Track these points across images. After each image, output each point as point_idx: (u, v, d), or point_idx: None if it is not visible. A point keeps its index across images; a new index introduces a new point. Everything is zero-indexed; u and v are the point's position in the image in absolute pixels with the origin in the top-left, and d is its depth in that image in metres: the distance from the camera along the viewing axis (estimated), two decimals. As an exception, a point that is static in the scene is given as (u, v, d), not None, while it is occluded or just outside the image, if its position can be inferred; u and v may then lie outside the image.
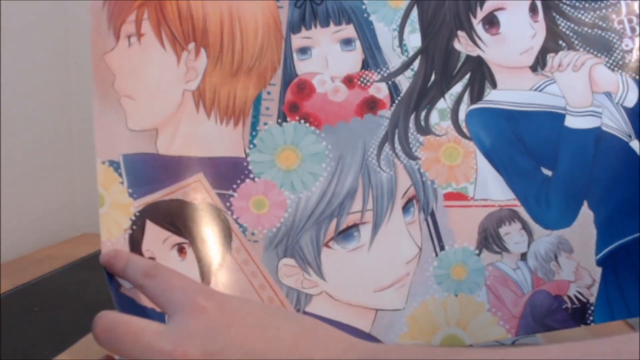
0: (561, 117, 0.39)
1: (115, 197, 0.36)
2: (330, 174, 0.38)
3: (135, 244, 0.35)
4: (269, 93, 0.38)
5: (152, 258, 0.36)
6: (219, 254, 0.37)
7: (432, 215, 0.38)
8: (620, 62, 0.39)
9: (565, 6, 0.40)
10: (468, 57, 0.39)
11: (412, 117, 0.39)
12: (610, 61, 0.39)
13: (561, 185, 0.38)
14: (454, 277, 0.38)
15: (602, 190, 0.38)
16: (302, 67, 0.39)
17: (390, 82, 0.39)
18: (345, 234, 0.38)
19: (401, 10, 0.39)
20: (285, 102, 0.38)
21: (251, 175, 0.37)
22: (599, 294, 0.37)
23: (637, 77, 0.39)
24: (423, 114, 0.39)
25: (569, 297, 0.37)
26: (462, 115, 0.39)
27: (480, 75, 0.39)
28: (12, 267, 0.73)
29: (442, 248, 0.38)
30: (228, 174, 0.37)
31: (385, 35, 0.39)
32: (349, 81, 0.39)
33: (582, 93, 0.39)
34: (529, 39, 0.39)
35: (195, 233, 0.36)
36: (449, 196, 0.38)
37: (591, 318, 0.37)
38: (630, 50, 0.39)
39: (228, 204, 0.37)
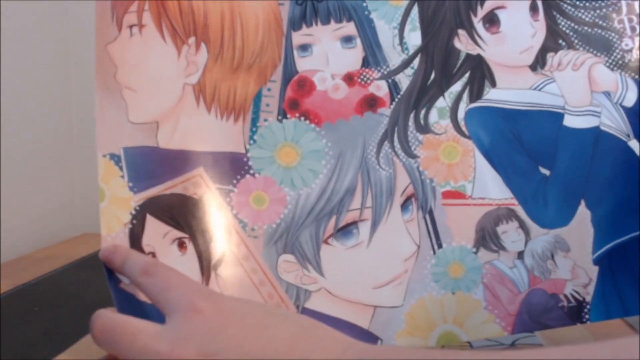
0: (560, 117, 0.39)
1: (116, 191, 0.36)
2: (330, 171, 0.38)
3: (135, 238, 0.36)
4: (269, 90, 0.38)
5: (152, 253, 0.36)
6: (219, 249, 0.37)
7: (431, 213, 0.39)
8: (620, 62, 0.39)
9: (565, 5, 0.40)
10: (468, 55, 0.40)
11: (412, 115, 0.39)
12: (610, 60, 0.39)
13: (559, 184, 0.38)
14: (452, 275, 0.38)
15: (600, 190, 0.38)
16: (303, 64, 0.39)
17: (390, 80, 0.39)
18: (345, 231, 0.38)
19: (402, 8, 0.40)
20: (285, 99, 0.38)
21: (251, 171, 0.38)
22: (595, 293, 0.38)
23: (637, 76, 0.39)
24: (422, 112, 0.39)
25: (565, 296, 0.38)
26: (461, 114, 0.39)
27: (480, 74, 0.39)
28: (12, 267, 0.73)
29: (439, 246, 0.38)
30: (228, 169, 0.37)
31: (385, 33, 0.39)
32: (349, 79, 0.39)
33: (581, 92, 0.39)
34: (529, 38, 0.40)
35: (195, 228, 0.37)
36: (447, 194, 0.39)
37: (587, 316, 0.37)
38: (630, 50, 0.39)
39: (228, 199, 0.37)
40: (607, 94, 0.39)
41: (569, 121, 0.39)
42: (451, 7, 0.39)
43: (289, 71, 0.39)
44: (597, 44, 0.39)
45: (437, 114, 0.39)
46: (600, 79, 0.39)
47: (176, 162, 0.37)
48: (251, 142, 0.38)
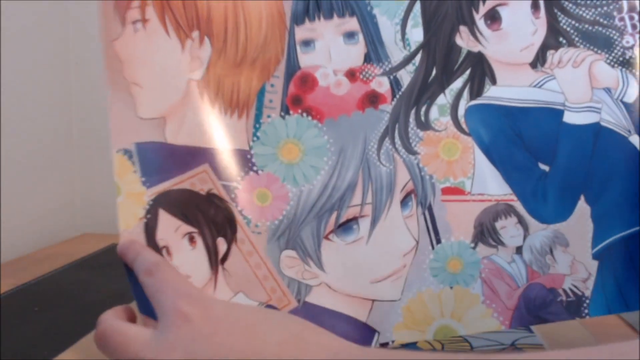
0: (560, 113, 0.39)
1: (130, 186, 0.37)
2: (332, 167, 0.39)
3: (150, 232, 0.37)
4: (272, 85, 0.39)
5: (166, 247, 0.37)
6: (225, 244, 0.38)
7: (430, 209, 0.39)
8: (621, 59, 0.39)
9: (567, 3, 0.40)
10: (469, 52, 0.40)
11: (413, 112, 0.40)
12: (611, 57, 0.39)
13: (558, 180, 0.38)
14: (450, 269, 0.38)
15: (600, 185, 0.38)
16: (306, 59, 0.39)
17: (391, 77, 0.40)
18: (345, 227, 0.38)
19: (404, 3, 0.40)
20: (288, 94, 0.39)
21: (255, 168, 0.38)
22: (595, 287, 0.38)
23: (637, 72, 0.39)
24: (423, 109, 0.40)
25: (564, 290, 0.38)
26: (461, 111, 0.40)
27: (481, 71, 0.40)
28: (12, 267, 0.73)
29: (438, 241, 0.39)
30: (233, 165, 0.38)
31: (387, 29, 0.40)
32: (351, 75, 0.40)
33: (582, 89, 0.39)
34: (529, 35, 0.40)
35: (202, 222, 0.37)
36: (446, 191, 0.39)
37: (586, 311, 0.38)
38: (631, 47, 0.39)
39: (233, 195, 0.38)
40: (608, 90, 0.39)
41: (569, 118, 0.39)
42: (453, 4, 0.40)
43: (292, 67, 0.39)
44: (598, 41, 0.39)
45: (438, 111, 0.40)
46: (601, 76, 0.39)
47: (183, 157, 0.37)
48: (254, 138, 0.39)
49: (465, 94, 0.40)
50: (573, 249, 0.38)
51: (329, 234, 0.38)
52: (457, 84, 0.40)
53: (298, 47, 0.39)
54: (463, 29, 0.40)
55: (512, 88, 0.40)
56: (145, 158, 0.37)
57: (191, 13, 0.38)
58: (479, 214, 0.39)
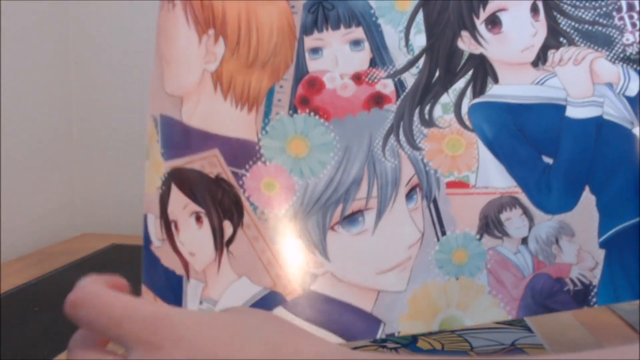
0: (562, 109, 0.40)
1: (154, 154, 0.39)
2: (338, 162, 0.40)
3: (163, 203, 0.38)
4: (281, 87, 0.41)
5: (175, 222, 0.38)
6: (231, 227, 0.39)
7: (435, 202, 0.40)
8: (622, 55, 0.40)
9: (566, 6, 0.41)
10: (471, 55, 0.41)
11: (417, 110, 0.41)
12: (611, 55, 0.40)
13: (562, 171, 0.39)
14: (455, 261, 0.38)
15: (605, 175, 0.38)
16: (314, 65, 0.42)
17: (396, 79, 0.41)
18: (350, 218, 0.39)
19: (407, 12, 0.42)
20: (296, 95, 0.41)
21: (262, 159, 0.40)
22: (602, 276, 0.37)
23: (639, 67, 0.40)
24: (427, 108, 0.41)
25: (571, 280, 0.37)
26: (464, 109, 0.41)
27: (483, 71, 0.41)
28: (12, 267, 0.74)
29: (443, 233, 0.39)
30: (241, 154, 0.40)
31: (392, 36, 0.42)
32: (357, 78, 0.42)
33: (583, 84, 0.40)
34: (530, 37, 0.41)
35: (210, 204, 0.39)
36: (451, 184, 0.40)
37: (594, 300, 0.37)
38: (631, 44, 0.40)
39: (240, 182, 0.39)
40: (610, 85, 0.40)
41: (572, 112, 0.40)
42: (454, 10, 0.42)
43: (301, 71, 0.41)
44: (598, 40, 0.41)
45: (441, 109, 0.41)
46: (602, 72, 0.40)
47: (195, 139, 0.40)
48: (263, 132, 0.40)
49: (468, 93, 0.41)
50: (579, 239, 0.38)
51: (334, 225, 0.39)
52: (460, 84, 0.41)
53: (307, 54, 0.42)
54: (465, 33, 0.42)
55: (514, 86, 0.41)
56: (165, 130, 0.40)
57: (208, 14, 0.41)
58: (484, 207, 0.39)
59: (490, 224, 0.39)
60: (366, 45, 0.42)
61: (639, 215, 0.37)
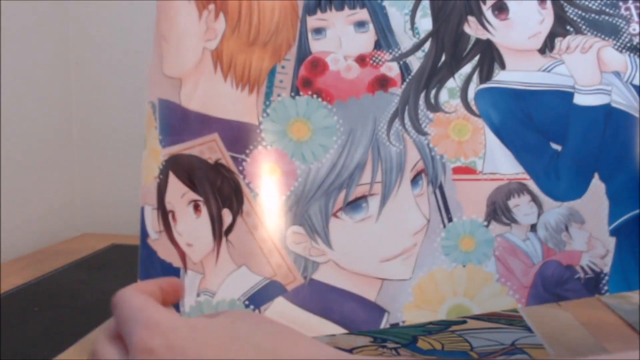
0: (570, 96, 0.39)
1: (152, 142, 0.38)
2: (341, 146, 0.39)
3: (161, 193, 0.37)
4: (283, 67, 0.40)
5: (172, 211, 0.37)
6: (231, 216, 0.37)
7: (441, 188, 0.38)
8: (629, 44, 0.40)
9: None
10: (477, 40, 0.41)
11: (422, 95, 0.40)
12: (618, 44, 0.40)
13: (571, 158, 0.38)
14: (462, 248, 0.37)
15: (614, 162, 0.37)
16: (317, 45, 0.40)
17: (401, 62, 0.40)
18: (354, 204, 0.38)
19: None
20: (299, 77, 0.40)
21: (263, 143, 0.39)
22: (613, 264, 0.36)
23: None
24: (433, 92, 0.40)
25: (582, 267, 0.36)
26: (471, 94, 0.40)
27: (490, 56, 0.40)
28: (12, 267, 0.73)
29: (450, 220, 0.38)
30: (241, 138, 0.38)
31: (397, 19, 0.41)
32: (361, 60, 0.40)
33: (591, 72, 0.39)
34: (537, 24, 0.41)
35: (209, 192, 0.37)
36: (457, 170, 0.39)
37: (605, 288, 0.36)
38: (638, 34, 0.40)
39: (240, 168, 0.38)
40: (617, 73, 0.39)
41: (580, 99, 0.39)
42: None
43: (303, 52, 0.40)
44: (605, 29, 0.40)
45: (448, 94, 0.40)
46: (609, 60, 0.40)
47: (194, 123, 0.38)
48: (264, 114, 0.39)
49: (475, 78, 0.40)
50: (589, 226, 0.37)
51: (337, 212, 0.38)
52: (467, 69, 0.40)
53: (309, 34, 0.41)
54: (471, 19, 0.41)
55: (521, 72, 0.40)
56: (163, 116, 0.38)
57: None
58: (491, 193, 0.38)
59: (498, 211, 0.38)
60: (371, 27, 0.41)
61: None
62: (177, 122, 0.38)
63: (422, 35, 0.41)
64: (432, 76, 0.40)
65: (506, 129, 0.39)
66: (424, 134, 0.39)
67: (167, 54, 0.39)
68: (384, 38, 0.41)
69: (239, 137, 0.38)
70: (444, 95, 0.40)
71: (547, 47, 0.40)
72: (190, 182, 0.37)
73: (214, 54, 0.39)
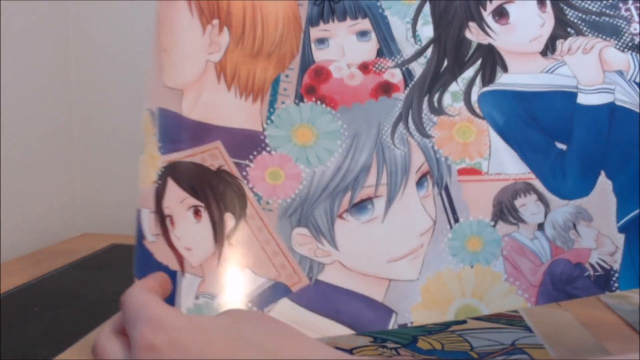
0: (573, 95, 0.39)
1: (150, 148, 0.38)
2: (345, 150, 0.39)
3: (158, 198, 0.37)
4: (287, 76, 0.41)
5: (170, 216, 0.37)
6: (233, 219, 0.37)
7: (446, 189, 0.38)
8: (630, 44, 0.40)
9: None
10: (479, 45, 0.41)
11: (426, 99, 0.40)
12: (620, 44, 0.40)
13: (576, 157, 0.38)
14: (470, 248, 0.37)
15: (620, 159, 0.37)
16: (320, 55, 0.41)
17: (404, 69, 0.41)
18: (359, 206, 0.38)
19: (414, 4, 0.42)
20: (302, 84, 0.40)
21: (267, 149, 0.39)
22: (623, 260, 0.36)
23: None
24: (436, 96, 0.40)
25: (591, 265, 0.36)
26: (474, 97, 0.40)
27: (492, 60, 0.41)
28: (12, 267, 0.73)
29: (456, 220, 0.38)
30: (245, 144, 0.39)
31: (399, 27, 0.42)
32: (364, 67, 0.41)
33: (593, 72, 0.40)
34: (537, 28, 0.41)
35: (210, 197, 0.37)
36: (462, 171, 0.39)
37: (616, 285, 0.35)
38: (639, 33, 0.40)
39: (244, 173, 0.38)
40: (620, 72, 0.39)
41: (583, 99, 0.39)
42: (461, 3, 0.42)
43: (307, 61, 0.41)
44: (606, 30, 0.40)
45: (451, 98, 0.40)
46: (612, 60, 0.40)
47: (196, 132, 0.38)
48: (268, 122, 0.39)
49: (478, 81, 0.40)
50: (597, 223, 0.37)
51: (342, 213, 0.38)
52: (469, 72, 0.41)
53: (313, 45, 0.41)
54: (472, 24, 0.41)
55: (523, 74, 0.40)
56: (163, 124, 0.38)
57: (213, 5, 0.40)
58: (497, 193, 0.38)
59: (505, 210, 0.37)
60: (373, 36, 0.42)
61: None
62: (178, 131, 0.38)
63: (424, 42, 0.41)
64: (435, 81, 0.40)
65: (511, 130, 0.39)
66: (428, 136, 0.39)
67: (168, 66, 0.39)
68: (386, 46, 0.41)
69: (242, 144, 0.39)
70: (447, 99, 0.40)
71: (548, 49, 0.41)
72: (191, 189, 0.37)
73: (217, 66, 0.40)
